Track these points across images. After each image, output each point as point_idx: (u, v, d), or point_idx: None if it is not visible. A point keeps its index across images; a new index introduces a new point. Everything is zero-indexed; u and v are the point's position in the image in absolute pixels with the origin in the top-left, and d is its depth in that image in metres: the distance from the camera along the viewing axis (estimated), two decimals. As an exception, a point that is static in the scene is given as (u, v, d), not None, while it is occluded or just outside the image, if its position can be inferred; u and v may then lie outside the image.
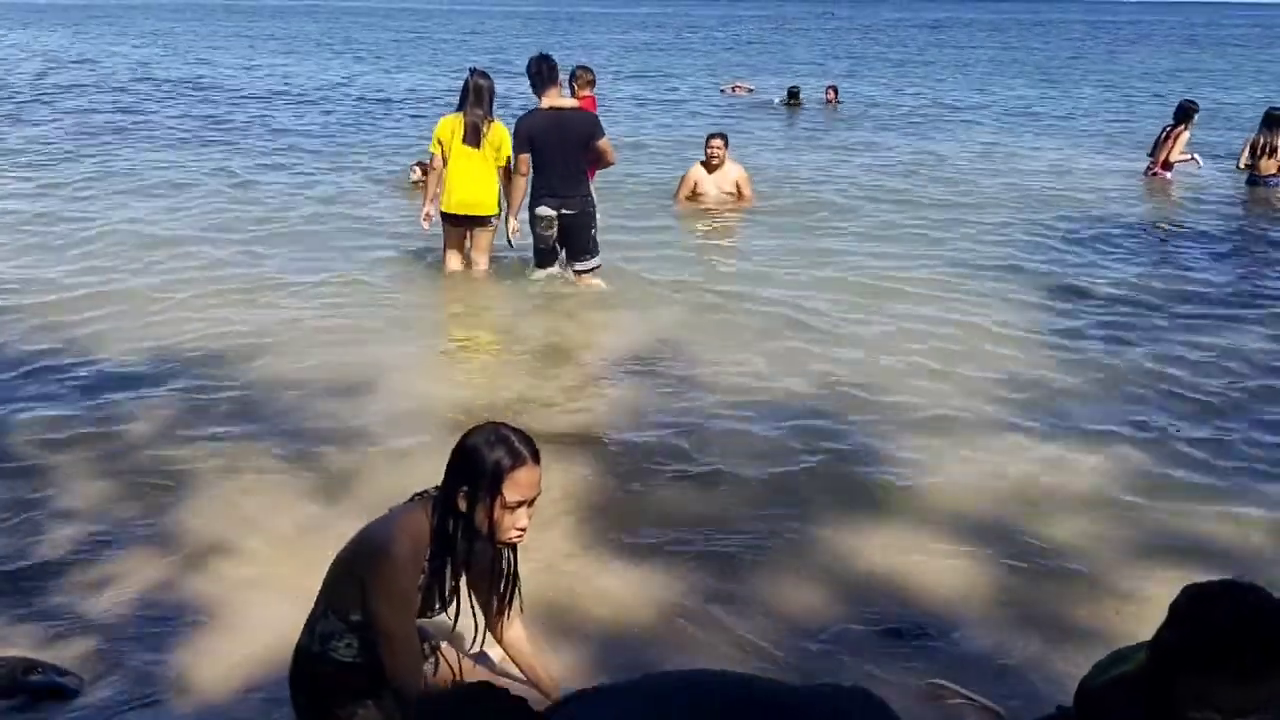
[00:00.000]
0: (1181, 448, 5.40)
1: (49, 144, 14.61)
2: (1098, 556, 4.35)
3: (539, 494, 2.97)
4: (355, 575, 2.93)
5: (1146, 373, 6.38)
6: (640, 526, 4.52)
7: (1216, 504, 4.83)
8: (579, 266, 7.97)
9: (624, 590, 4.08)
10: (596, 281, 7.96)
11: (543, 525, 4.46)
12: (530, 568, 4.04)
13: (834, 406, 5.80)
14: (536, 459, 2.94)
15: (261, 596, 3.96)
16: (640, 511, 4.66)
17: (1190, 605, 2.39)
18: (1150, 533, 4.55)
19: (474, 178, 7.90)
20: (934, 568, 4.25)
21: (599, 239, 8.04)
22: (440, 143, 7.93)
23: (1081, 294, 7.96)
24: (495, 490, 2.88)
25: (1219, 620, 2.32)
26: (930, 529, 4.55)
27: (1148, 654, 2.44)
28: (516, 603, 3.22)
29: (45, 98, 20.09)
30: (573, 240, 7.94)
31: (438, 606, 3.05)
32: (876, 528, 4.56)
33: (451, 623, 3.12)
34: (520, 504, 2.92)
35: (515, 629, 3.30)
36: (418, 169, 11.24)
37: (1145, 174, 12.81)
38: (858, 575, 4.20)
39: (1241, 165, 12.35)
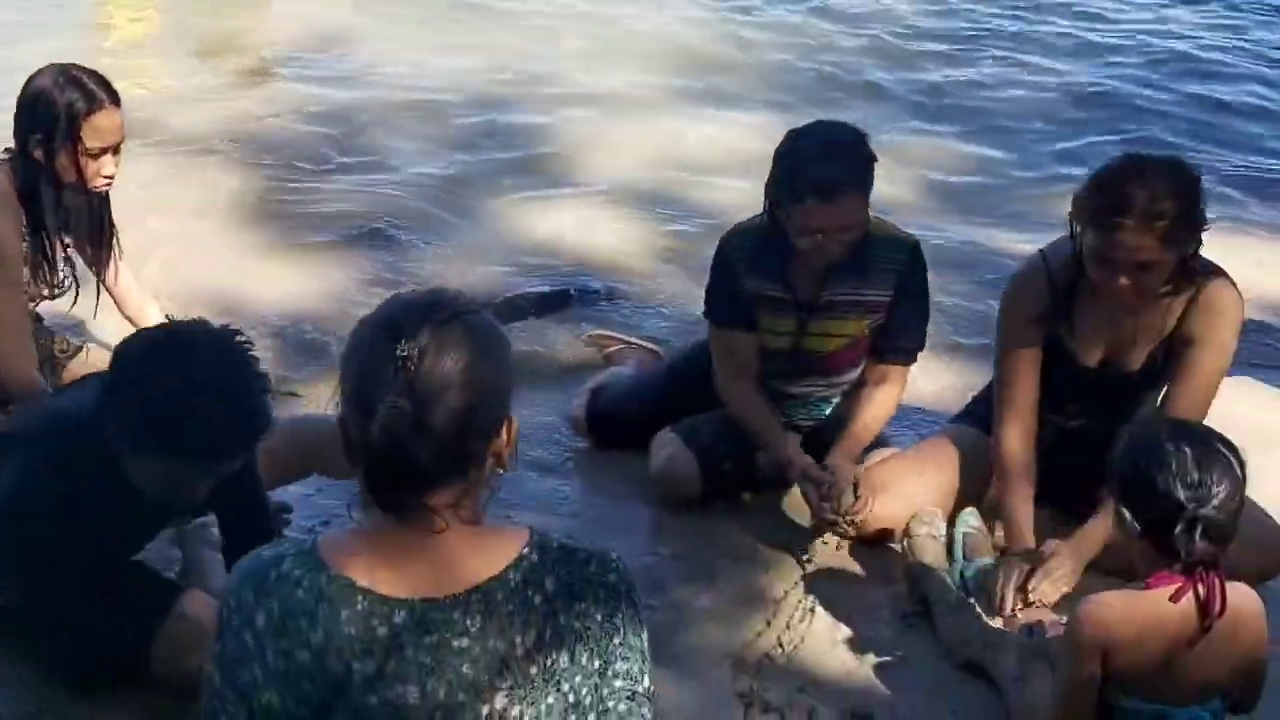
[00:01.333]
0: (832, 94, 5.70)
1: None
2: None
3: (124, 140, 2.81)
4: None
5: (790, 46, 6.56)
6: (304, 220, 4.40)
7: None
8: None
9: (290, 280, 3.99)
10: None
11: (199, 218, 4.31)
12: (193, 264, 3.95)
13: (504, 90, 5.70)
14: (116, 101, 2.76)
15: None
16: (306, 204, 4.53)
17: (783, 143, 2.67)
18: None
19: None
20: (601, 233, 4.39)
21: None
22: None
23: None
24: (73, 136, 2.69)
25: (799, 150, 2.58)
26: (599, 198, 4.67)
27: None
28: (117, 250, 3.07)
29: None
30: None
31: (54, 281, 2.90)
32: (549, 199, 4.64)
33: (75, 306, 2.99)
34: (104, 150, 2.75)
35: (124, 280, 3.15)
36: None
37: None
38: (531, 244, 4.30)
39: None
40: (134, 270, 3.20)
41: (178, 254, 4.01)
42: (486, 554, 1.36)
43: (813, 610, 2.60)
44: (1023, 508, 2.62)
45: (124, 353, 2.11)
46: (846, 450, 2.80)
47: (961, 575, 2.63)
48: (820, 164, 2.56)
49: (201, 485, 2.13)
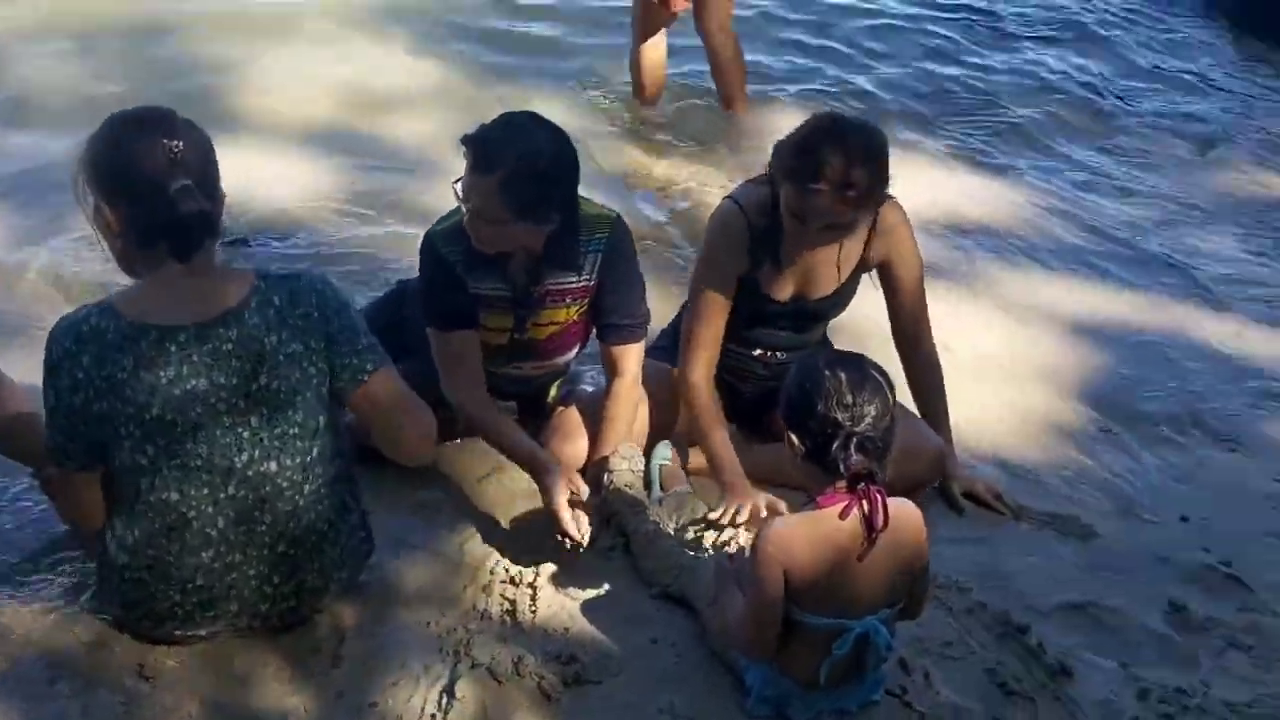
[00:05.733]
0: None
1: None
2: (446, 147, 4.53)
3: None
4: None
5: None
6: None
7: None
8: None
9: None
10: None
11: None
12: None
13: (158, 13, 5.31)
14: None
15: None
16: None
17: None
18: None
19: None
20: (280, 177, 4.16)
21: None
22: None
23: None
24: None
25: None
26: (272, 142, 4.42)
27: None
28: None
29: None
30: None
31: None
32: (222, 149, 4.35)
33: None
34: None
35: None
36: None
37: None
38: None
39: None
40: None
41: None
42: (231, 286, 2.12)
43: (514, 558, 2.60)
44: (725, 447, 2.74)
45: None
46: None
47: (660, 505, 2.70)
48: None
49: None
